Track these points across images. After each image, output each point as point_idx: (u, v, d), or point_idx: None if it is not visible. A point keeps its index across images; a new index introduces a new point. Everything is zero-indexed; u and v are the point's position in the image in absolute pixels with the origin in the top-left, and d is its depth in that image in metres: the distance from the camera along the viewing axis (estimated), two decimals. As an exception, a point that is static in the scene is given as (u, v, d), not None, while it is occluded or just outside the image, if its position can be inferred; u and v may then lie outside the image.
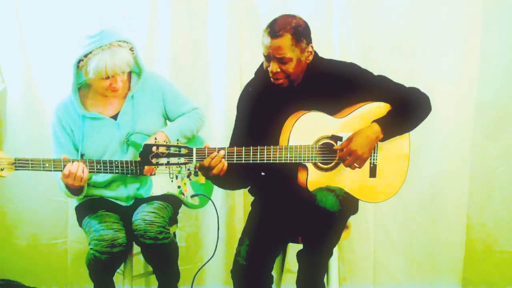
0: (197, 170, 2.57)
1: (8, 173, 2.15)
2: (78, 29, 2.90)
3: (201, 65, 3.05)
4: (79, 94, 2.46)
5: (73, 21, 2.92)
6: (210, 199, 2.62)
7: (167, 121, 2.64)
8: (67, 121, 2.44)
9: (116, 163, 2.37)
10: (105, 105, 2.48)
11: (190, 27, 3.01)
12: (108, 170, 2.36)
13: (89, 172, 2.31)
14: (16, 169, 2.17)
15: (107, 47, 2.28)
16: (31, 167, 2.20)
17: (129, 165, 2.40)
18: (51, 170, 2.24)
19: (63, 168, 2.25)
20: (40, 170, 2.23)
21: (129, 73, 2.46)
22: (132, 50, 2.36)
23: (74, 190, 2.36)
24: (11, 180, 3.01)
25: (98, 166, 2.33)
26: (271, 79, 2.24)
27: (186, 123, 2.58)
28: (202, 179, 2.63)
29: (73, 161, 2.27)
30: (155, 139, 2.08)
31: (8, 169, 2.14)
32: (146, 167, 2.41)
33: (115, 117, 2.47)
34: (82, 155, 2.45)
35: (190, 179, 2.61)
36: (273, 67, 2.19)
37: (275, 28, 2.15)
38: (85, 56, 2.29)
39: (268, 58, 2.20)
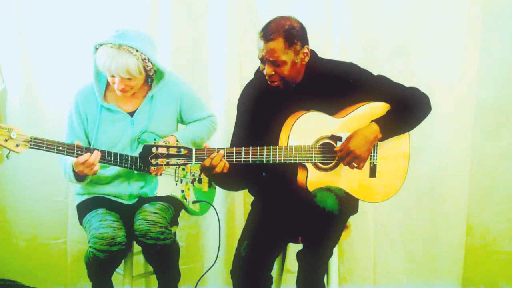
0: (201, 177, 2.60)
1: (22, 150, 2.15)
2: (78, 29, 2.92)
3: (201, 65, 3.05)
4: (107, 84, 2.48)
5: (73, 21, 2.92)
6: (212, 205, 2.63)
7: (178, 125, 2.66)
8: (84, 109, 2.46)
9: (127, 157, 2.38)
10: (125, 100, 2.49)
11: (190, 27, 3.02)
12: (118, 163, 2.36)
13: (99, 162, 2.32)
14: (30, 147, 2.17)
15: (116, 47, 2.29)
16: (45, 148, 2.20)
17: (138, 161, 2.41)
18: (64, 154, 2.24)
19: (76, 153, 2.25)
20: (54, 152, 2.22)
21: (150, 74, 2.45)
22: (145, 61, 2.35)
23: (80, 177, 2.36)
24: (11, 180, 3.02)
25: (109, 158, 2.34)
26: (268, 81, 2.24)
27: (198, 130, 2.60)
28: (205, 187, 2.65)
29: (86, 150, 2.27)
30: (155, 140, 2.08)
31: (23, 146, 2.15)
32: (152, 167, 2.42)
33: (132, 113, 2.49)
34: (89, 144, 2.46)
35: (193, 185, 2.62)
36: (268, 70, 2.20)
37: (268, 32, 2.15)
38: (100, 45, 2.32)
39: (263, 61, 2.21)
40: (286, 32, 2.15)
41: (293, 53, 2.17)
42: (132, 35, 2.33)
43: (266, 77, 2.23)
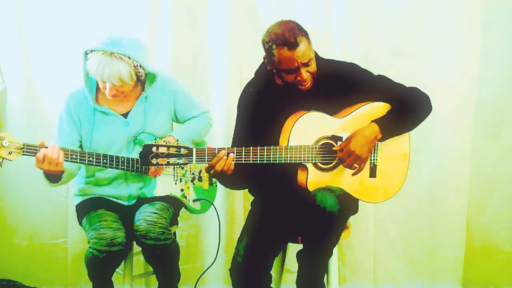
0: (201, 175, 2.60)
1: (15, 157, 2.16)
2: (78, 29, 2.92)
3: (201, 65, 3.05)
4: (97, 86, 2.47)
5: (73, 22, 2.92)
6: (212, 204, 2.63)
7: (174, 124, 2.66)
8: (76, 111, 2.45)
9: (123, 159, 2.38)
10: (118, 102, 2.49)
11: (190, 27, 3.02)
12: (114, 166, 2.36)
13: (95, 165, 2.31)
14: (23, 154, 2.17)
15: (108, 54, 2.27)
16: None
17: (135, 162, 2.41)
18: None
19: (70, 159, 2.24)
20: None
21: (141, 79, 2.45)
22: (137, 67, 2.34)
23: (52, 177, 2.32)
24: (11, 180, 3.02)
25: (104, 161, 2.33)
26: (298, 87, 2.21)
27: (195, 128, 2.60)
28: (205, 185, 2.65)
29: (80, 154, 2.26)
30: (155, 139, 2.08)
31: (15, 153, 2.15)
32: (151, 168, 2.42)
33: (125, 115, 2.48)
34: (81, 147, 2.46)
35: (193, 184, 2.62)
36: (305, 74, 2.16)
37: (289, 40, 2.10)
38: (91, 51, 2.31)
39: (297, 69, 2.16)
40: (301, 30, 2.14)
41: (311, 45, 2.18)
42: (124, 42, 2.32)
43: (300, 83, 2.18)
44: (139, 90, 2.51)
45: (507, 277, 3.10)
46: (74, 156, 2.26)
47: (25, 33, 2.93)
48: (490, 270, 3.13)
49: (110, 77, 2.29)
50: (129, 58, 2.30)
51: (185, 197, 2.58)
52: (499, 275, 3.11)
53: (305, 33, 2.15)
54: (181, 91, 2.60)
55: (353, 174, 2.25)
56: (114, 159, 2.36)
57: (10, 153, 2.13)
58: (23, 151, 2.17)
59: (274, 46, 2.13)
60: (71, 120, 2.45)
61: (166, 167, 2.49)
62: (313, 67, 2.19)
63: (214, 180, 2.70)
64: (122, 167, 2.39)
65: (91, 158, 2.30)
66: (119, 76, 2.29)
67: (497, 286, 3.12)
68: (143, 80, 2.45)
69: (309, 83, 2.21)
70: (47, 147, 2.21)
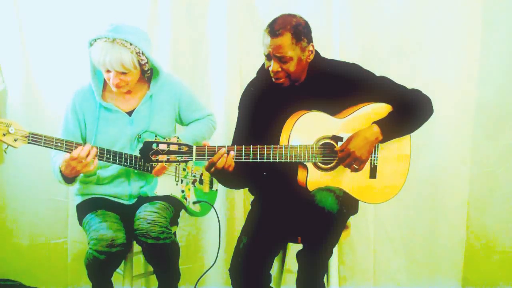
0: (202, 178, 2.59)
1: (20, 145, 2.16)
2: (78, 29, 2.92)
3: (201, 65, 3.05)
4: (104, 83, 2.48)
5: (73, 21, 2.93)
6: (213, 206, 2.63)
7: (177, 125, 2.66)
8: (81, 108, 2.46)
9: (126, 155, 2.38)
10: (123, 100, 2.50)
11: (190, 27, 3.02)
12: (117, 161, 2.37)
13: (98, 159, 2.31)
14: (29, 142, 2.17)
15: (110, 41, 2.29)
16: (44, 143, 2.20)
17: (138, 160, 2.42)
18: (62, 150, 2.24)
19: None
20: (52, 148, 2.22)
21: (145, 69, 2.45)
22: (139, 54, 2.35)
23: (68, 178, 2.34)
24: (11, 180, 3.02)
25: (108, 156, 2.34)
26: (273, 79, 2.24)
27: (199, 130, 2.61)
28: (206, 188, 2.65)
29: (84, 146, 2.26)
30: (156, 137, 2.07)
31: (21, 141, 2.16)
32: (156, 167, 2.42)
33: (130, 113, 2.49)
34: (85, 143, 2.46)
35: (194, 186, 2.62)
36: (274, 66, 2.19)
37: (275, 27, 2.16)
38: (95, 40, 2.33)
39: (269, 57, 2.20)
40: (293, 28, 2.15)
41: (300, 49, 2.18)
42: (126, 29, 2.34)
43: (272, 74, 2.23)
44: (145, 88, 2.51)
45: (507, 277, 3.10)
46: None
47: (25, 33, 2.93)
48: (490, 270, 3.13)
49: (112, 63, 2.30)
50: (131, 44, 2.31)
51: (185, 199, 2.58)
52: (499, 275, 3.11)
53: (296, 34, 2.16)
54: (187, 93, 2.60)
55: (352, 171, 2.25)
56: (118, 155, 2.36)
57: (15, 140, 2.14)
58: (29, 139, 2.17)
59: (265, 27, 2.20)
60: (76, 118, 2.46)
61: (168, 167, 2.49)
62: (291, 66, 2.19)
63: (214, 183, 2.70)
64: (125, 163, 2.39)
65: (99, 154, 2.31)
66: (121, 62, 2.30)
67: (497, 286, 3.12)
68: (147, 71, 2.45)
69: (282, 80, 2.22)
70: (81, 145, 2.24)
